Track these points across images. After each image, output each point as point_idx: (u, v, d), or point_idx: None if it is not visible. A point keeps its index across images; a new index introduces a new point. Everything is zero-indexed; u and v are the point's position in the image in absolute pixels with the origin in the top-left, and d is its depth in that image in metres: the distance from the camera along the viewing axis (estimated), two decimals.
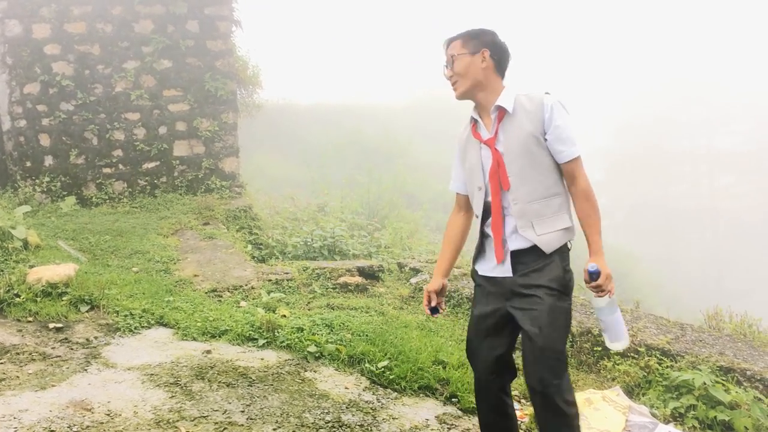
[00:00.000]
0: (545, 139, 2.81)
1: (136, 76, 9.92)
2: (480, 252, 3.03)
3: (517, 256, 2.87)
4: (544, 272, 2.80)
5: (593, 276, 2.70)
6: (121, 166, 9.95)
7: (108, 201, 9.70)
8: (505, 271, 2.88)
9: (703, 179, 40.52)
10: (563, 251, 2.86)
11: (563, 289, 2.81)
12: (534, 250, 2.83)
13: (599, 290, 2.73)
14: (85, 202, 9.61)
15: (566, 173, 2.86)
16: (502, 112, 2.87)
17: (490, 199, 2.92)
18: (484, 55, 2.88)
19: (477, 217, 3.03)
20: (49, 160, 9.63)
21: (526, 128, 2.82)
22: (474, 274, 3.08)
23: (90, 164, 9.78)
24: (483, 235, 3.01)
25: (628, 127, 41.54)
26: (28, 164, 9.56)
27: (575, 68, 46.06)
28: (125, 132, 9.93)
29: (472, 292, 6.34)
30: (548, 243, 2.81)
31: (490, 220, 2.94)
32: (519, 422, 3.96)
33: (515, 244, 2.86)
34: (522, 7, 59.87)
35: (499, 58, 2.93)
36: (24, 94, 9.49)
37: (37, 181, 9.47)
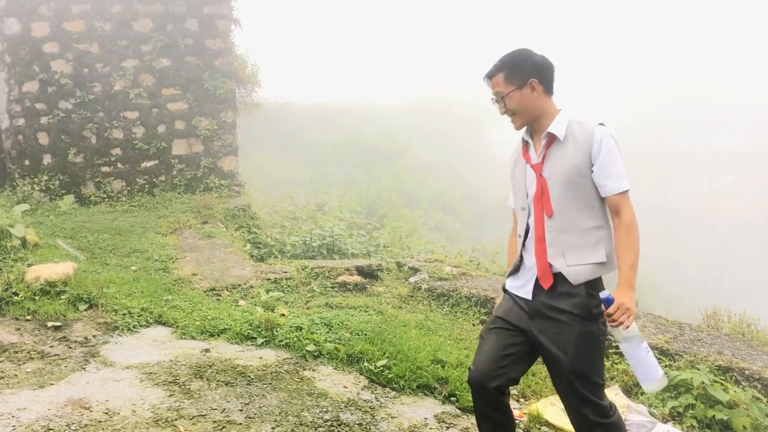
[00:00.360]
0: (592, 171, 2.76)
1: (135, 75, 9.91)
2: (515, 269, 2.99)
3: None
4: (568, 298, 2.75)
5: (605, 304, 2.65)
6: (119, 165, 9.95)
7: (107, 200, 9.70)
8: (528, 293, 2.86)
9: (702, 179, 40.56)
10: (594, 281, 2.79)
11: (587, 314, 2.73)
12: (563, 275, 2.78)
13: (610, 320, 2.64)
14: (84, 200, 9.61)
15: (610, 206, 2.78)
16: (551, 138, 2.82)
17: (531, 221, 2.89)
18: (533, 85, 2.82)
19: (519, 237, 2.98)
20: (47, 159, 9.63)
21: (573, 158, 2.77)
22: (504, 285, 3.06)
23: (89, 163, 9.78)
24: (522, 254, 2.97)
25: (628, 127, 41.50)
26: (27, 163, 9.55)
27: (576, 68, 46.05)
28: (124, 131, 9.93)
29: (471, 291, 6.35)
30: (576, 274, 2.74)
31: (528, 241, 2.92)
32: (518, 421, 3.97)
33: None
34: (521, 5, 59.90)
35: (546, 79, 2.87)
36: (23, 93, 9.48)
37: (35, 179, 9.47)
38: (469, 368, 2.92)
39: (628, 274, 2.66)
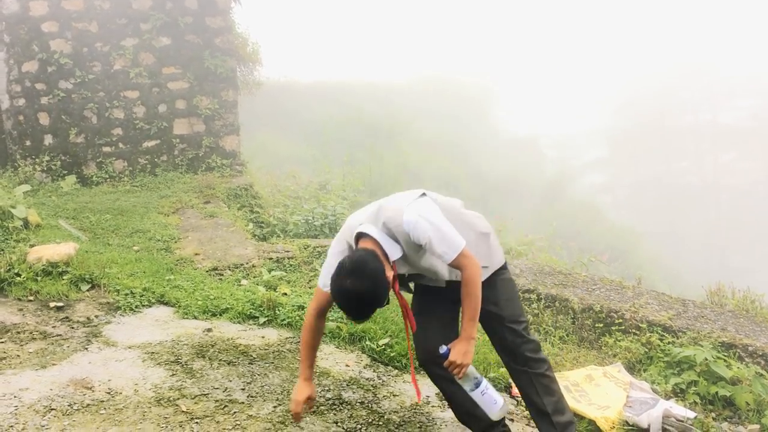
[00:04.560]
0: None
1: (135, 54, 9.84)
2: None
3: None
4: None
5: (442, 357, 2.80)
6: (121, 145, 9.91)
7: (108, 180, 9.68)
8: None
9: (706, 155, 40.34)
10: None
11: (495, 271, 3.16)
12: None
13: (450, 371, 2.81)
14: (86, 181, 9.59)
15: (454, 267, 2.87)
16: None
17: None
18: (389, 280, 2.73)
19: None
20: (48, 139, 9.59)
21: (414, 251, 2.87)
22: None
23: (90, 143, 9.74)
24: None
25: (631, 103, 41.30)
26: (28, 143, 9.52)
27: (579, 42, 45.72)
28: (125, 110, 9.87)
29: None
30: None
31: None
32: (518, 399, 3.97)
33: None
34: None
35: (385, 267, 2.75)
36: (22, 73, 9.42)
37: (37, 160, 9.44)
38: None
39: (468, 326, 2.82)
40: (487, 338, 4.83)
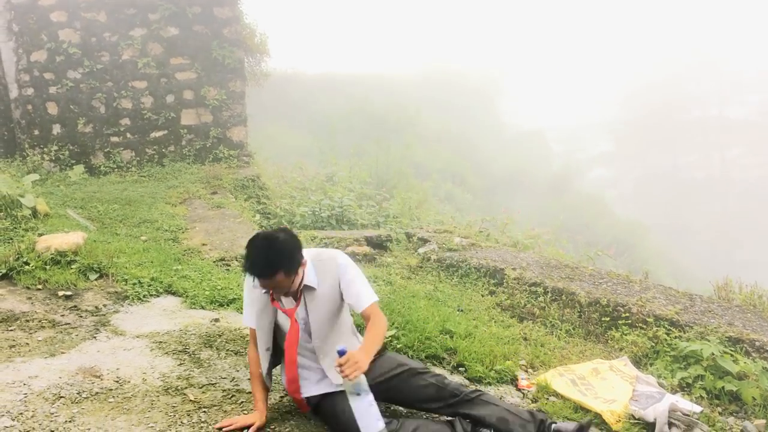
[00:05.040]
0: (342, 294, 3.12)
1: (143, 44, 9.84)
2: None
3: None
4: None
5: (339, 354, 2.78)
6: (128, 135, 9.93)
7: (116, 170, 9.71)
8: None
9: (713, 150, 40.17)
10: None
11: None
12: None
13: (340, 370, 2.75)
14: (94, 170, 9.62)
15: (364, 316, 3.05)
16: (307, 288, 3.08)
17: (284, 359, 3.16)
18: (304, 264, 3.03)
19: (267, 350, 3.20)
20: (56, 129, 9.62)
21: (330, 295, 3.10)
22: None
23: (98, 133, 9.77)
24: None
25: (638, 97, 41.13)
26: (36, 133, 9.55)
27: (588, 36, 45.49)
28: (132, 100, 9.89)
29: (480, 262, 6.33)
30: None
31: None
32: (526, 391, 3.98)
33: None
34: None
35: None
36: (31, 62, 9.44)
37: (45, 149, 9.47)
38: None
39: (370, 345, 2.90)
40: (494, 331, 4.86)
